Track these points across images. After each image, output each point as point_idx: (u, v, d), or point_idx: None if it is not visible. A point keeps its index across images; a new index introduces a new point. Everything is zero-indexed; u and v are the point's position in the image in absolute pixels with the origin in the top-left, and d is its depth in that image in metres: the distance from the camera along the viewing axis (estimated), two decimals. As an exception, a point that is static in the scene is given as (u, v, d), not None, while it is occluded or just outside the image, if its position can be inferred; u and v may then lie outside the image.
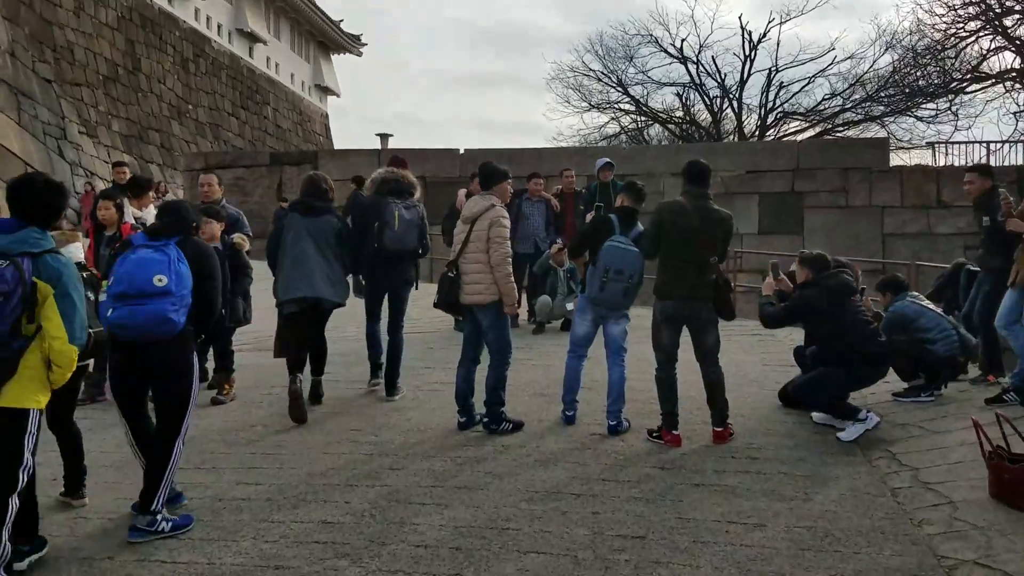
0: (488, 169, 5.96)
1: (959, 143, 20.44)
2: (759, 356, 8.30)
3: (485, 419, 5.81)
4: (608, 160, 10.19)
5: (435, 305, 5.93)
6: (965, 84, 22.91)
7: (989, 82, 22.63)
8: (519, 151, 18.79)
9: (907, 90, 24.67)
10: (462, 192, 9.55)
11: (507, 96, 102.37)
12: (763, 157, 18.04)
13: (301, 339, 6.36)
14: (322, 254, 6.24)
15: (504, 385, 5.79)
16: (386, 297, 6.80)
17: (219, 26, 36.65)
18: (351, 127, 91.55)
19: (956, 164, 18.77)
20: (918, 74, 24.17)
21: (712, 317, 5.52)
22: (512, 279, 5.71)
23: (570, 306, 9.49)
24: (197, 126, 34.55)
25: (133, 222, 7.09)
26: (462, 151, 18.84)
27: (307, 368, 6.55)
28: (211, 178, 7.46)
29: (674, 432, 5.47)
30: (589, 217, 6.73)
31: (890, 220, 17.22)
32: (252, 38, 38.66)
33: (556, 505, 4.44)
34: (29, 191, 3.56)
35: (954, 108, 23.91)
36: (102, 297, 4.12)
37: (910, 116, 26.23)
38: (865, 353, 5.66)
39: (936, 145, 20.26)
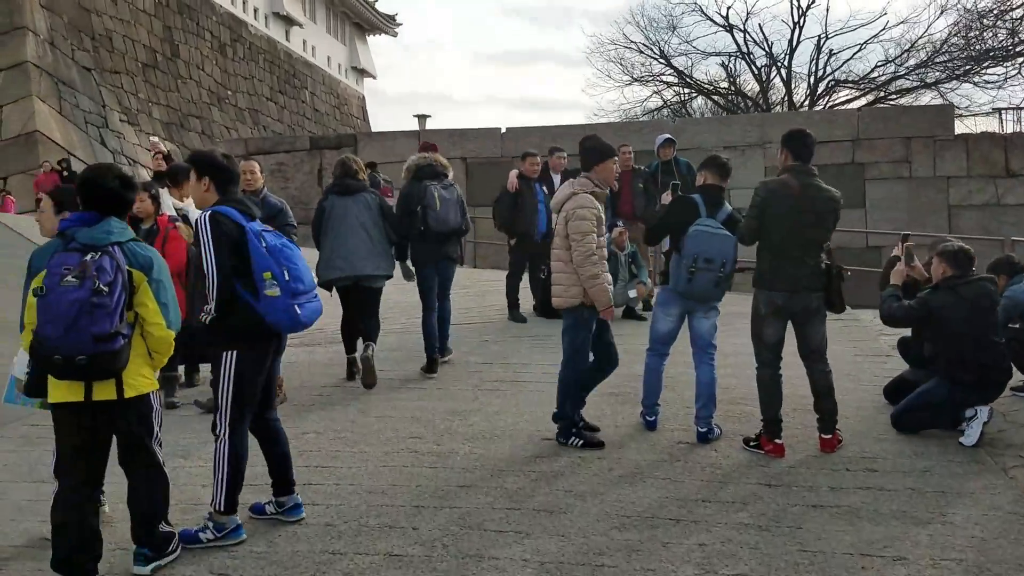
0: (586, 145, 5.08)
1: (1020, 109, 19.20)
2: (848, 345, 7.54)
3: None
4: (668, 136, 9.45)
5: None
6: None
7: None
8: (564, 128, 18.04)
9: (972, 53, 23.27)
10: (513, 173, 8.91)
11: (545, 72, 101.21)
12: (820, 127, 16.96)
13: (351, 318, 6.76)
14: (367, 231, 6.45)
15: (574, 395, 5.10)
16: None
17: (255, 10, 36.25)
18: (388, 109, 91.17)
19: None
20: (985, 36, 22.81)
21: (821, 309, 4.83)
22: (599, 279, 4.84)
23: (632, 293, 8.82)
24: (237, 112, 34.26)
25: (173, 213, 6.56)
26: (503, 130, 18.16)
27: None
28: (252, 165, 6.85)
29: (777, 441, 4.81)
30: (665, 198, 5.95)
31: (955, 191, 16.21)
32: (288, 21, 38.21)
33: (653, 534, 3.82)
34: (103, 184, 3.52)
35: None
36: (274, 292, 3.76)
37: (968, 82, 24.93)
38: (989, 376, 4.96)
39: (1004, 111, 19.07)
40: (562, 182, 9.32)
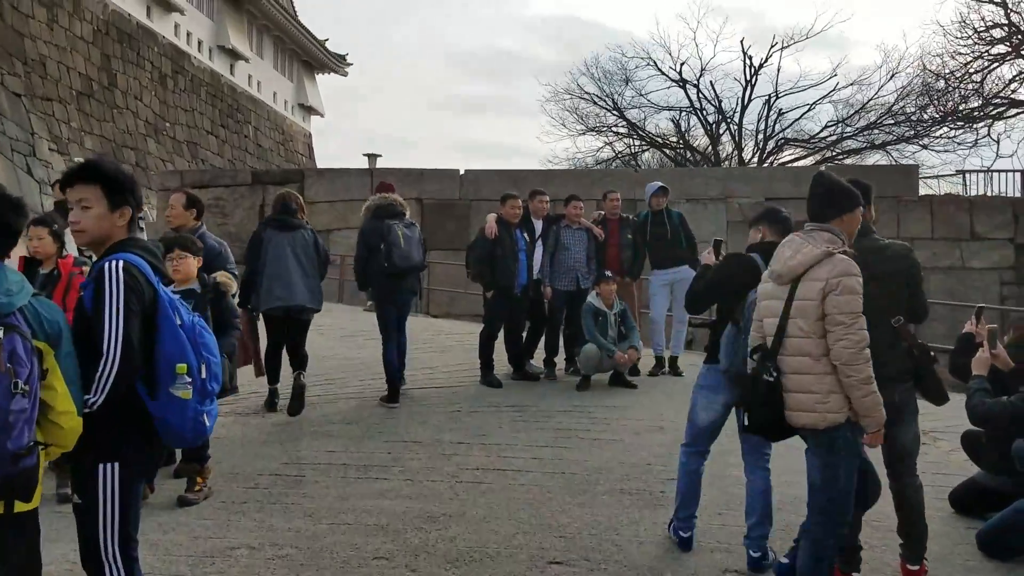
0: (834, 185, 3.43)
1: (990, 172, 18.93)
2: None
3: None
4: (662, 184, 8.42)
5: (746, 428, 3.62)
6: (1003, 109, 21.48)
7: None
8: (525, 172, 17.05)
9: (935, 115, 23.16)
10: (491, 217, 7.75)
11: (495, 121, 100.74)
12: (783, 184, 16.43)
13: (277, 348, 6.80)
14: (301, 266, 6.60)
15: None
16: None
17: (200, 42, 34.72)
18: (336, 147, 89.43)
19: (990, 193, 17.37)
20: (944, 100, 22.67)
21: (911, 404, 3.74)
22: (873, 385, 3.21)
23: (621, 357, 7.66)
24: (174, 144, 32.50)
25: (77, 255, 5.21)
26: (462, 172, 17.05)
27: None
28: (177, 197, 5.65)
29: (855, 575, 3.67)
30: (706, 257, 4.52)
31: (920, 253, 15.56)
32: (234, 55, 36.74)
33: None
34: None
35: (993, 134, 22.42)
36: (185, 393, 2.64)
37: (917, 144, 24.88)
38: None
39: (967, 173, 18.73)
40: (544, 228, 8.29)
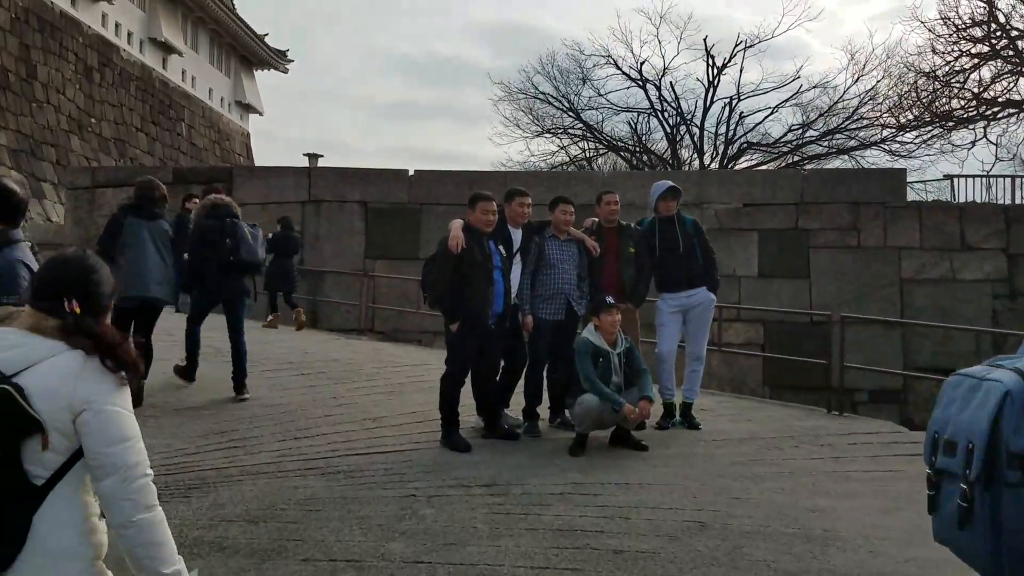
0: None
1: (978, 176, 17.54)
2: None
3: None
4: (672, 184, 6.52)
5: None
6: (997, 110, 20.21)
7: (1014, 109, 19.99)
8: (482, 174, 15.06)
9: (928, 117, 21.75)
10: (456, 225, 5.73)
11: (440, 127, 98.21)
12: (761, 188, 14.78)
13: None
14: (160, 255, 6.50)
15: None
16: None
17: (129, 34, 31.81)
18: (276, 149, 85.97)
19: (979, 200, 16.02)
20: (932, 100, 21.28)
21: None
22: None
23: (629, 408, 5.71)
24: (100, 142, 29.58)
25: None
26: (412, 173, 14.97)
27: None
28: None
29: None
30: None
31: (908, 263, 14.16)
32: (166, 48, 33.87)
33: None
34: None
35: (990, 135, 21.14)
36: None
37: (882, 149, 23.65)
38: None
39: (955, 178, 17.32)
40: (525, 239, 6.29)
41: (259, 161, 42.00)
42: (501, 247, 5.78)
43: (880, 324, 12.72)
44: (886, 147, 23.88)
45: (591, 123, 27.59)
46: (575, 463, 5.45)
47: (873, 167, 22.88)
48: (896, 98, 23.25)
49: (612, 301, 5.78)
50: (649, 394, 5.65)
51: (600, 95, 27.02)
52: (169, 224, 6.78)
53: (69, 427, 1.85)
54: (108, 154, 29.71)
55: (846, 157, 25.04)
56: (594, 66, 26.95)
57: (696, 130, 27.17)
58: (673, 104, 27.02)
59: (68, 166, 26.03)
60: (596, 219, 6.58)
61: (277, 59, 42.25)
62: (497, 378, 6.09)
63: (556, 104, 27.25)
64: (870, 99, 24.01)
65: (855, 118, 24.23)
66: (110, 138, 30.16)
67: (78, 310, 1.92)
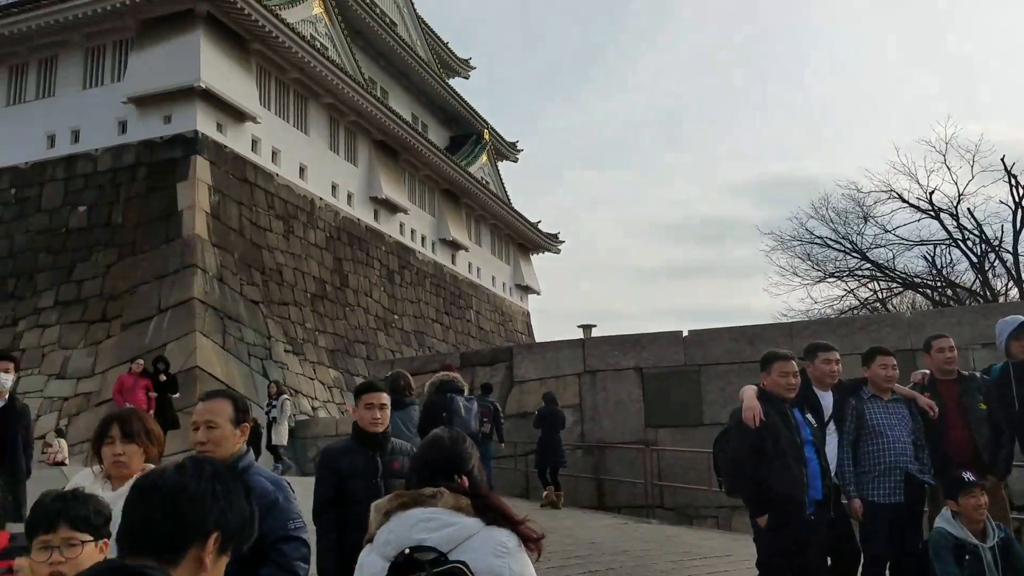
0: None
1: None
2: None
3: None
4: (1029, 317, 5.02)
5: None
6: None
7: None
8: (760, 328, 13.75)
9: None
10: (750, 392, 4.66)
11: (710, 284, 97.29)
12: None
13: None
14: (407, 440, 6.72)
15: None
16: None
17: (423, 238, 35.37)
18: (552, 323, 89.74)
19: None
20: None
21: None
22: None
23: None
24: (403, 335, 32.35)
25: None
26: (685, 334, 14.05)
27: None
28: (218, 406, 3.11)
29: None
30: None
31: None
32: (454, 246, 37.11)
33: None
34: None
35: None
36: None
37: None
38: None
39: None
40: (837, 403, 5.06)
41: (539, 337, 43.55)
42: (809, 415, 4.59)
43: None
44: None
45: (880, 261, 25.06)
46: None
47: None
48: None
49: (972, 478, 4.28)
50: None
51: (887, 231, 24.66)
52: (417, 409, 7.22)
53: None
54: (409, 345, 32.31)
55: None
56: (875, 203, 24.82)
57: (1008, 256, 23.54)
58: (975, 231, 23.83)
59: (375, 360, 28.53)
60: (926, 371, 5.14)
61: (550, 242, 44.59)
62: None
63: (837, 247, 25.26)
64: None
65: None
66: (410, 331, 32.91)
67: (467, 486, 2.04)
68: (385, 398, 4.22)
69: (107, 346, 21.76)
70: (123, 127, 23.52)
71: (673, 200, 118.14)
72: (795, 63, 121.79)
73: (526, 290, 44.58)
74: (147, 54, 23.29)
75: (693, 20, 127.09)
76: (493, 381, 14.99)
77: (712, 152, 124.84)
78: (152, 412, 12.30)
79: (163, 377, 13.73)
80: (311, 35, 27.96)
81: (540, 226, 43.80)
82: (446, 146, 39.26)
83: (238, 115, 24.28)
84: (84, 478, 2.93)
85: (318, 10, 29.03)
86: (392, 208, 32.41)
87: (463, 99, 40.05)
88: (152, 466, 2.94)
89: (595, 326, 24.56)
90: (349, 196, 30.17)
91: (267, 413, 16.81)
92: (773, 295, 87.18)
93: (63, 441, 18.21)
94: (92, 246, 23.08)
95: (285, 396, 17.13)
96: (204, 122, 23.16)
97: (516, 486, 13.96)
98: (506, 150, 44.99)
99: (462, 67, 45.86)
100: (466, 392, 7.89)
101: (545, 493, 12.14)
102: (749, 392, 4.54)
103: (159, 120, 23.18)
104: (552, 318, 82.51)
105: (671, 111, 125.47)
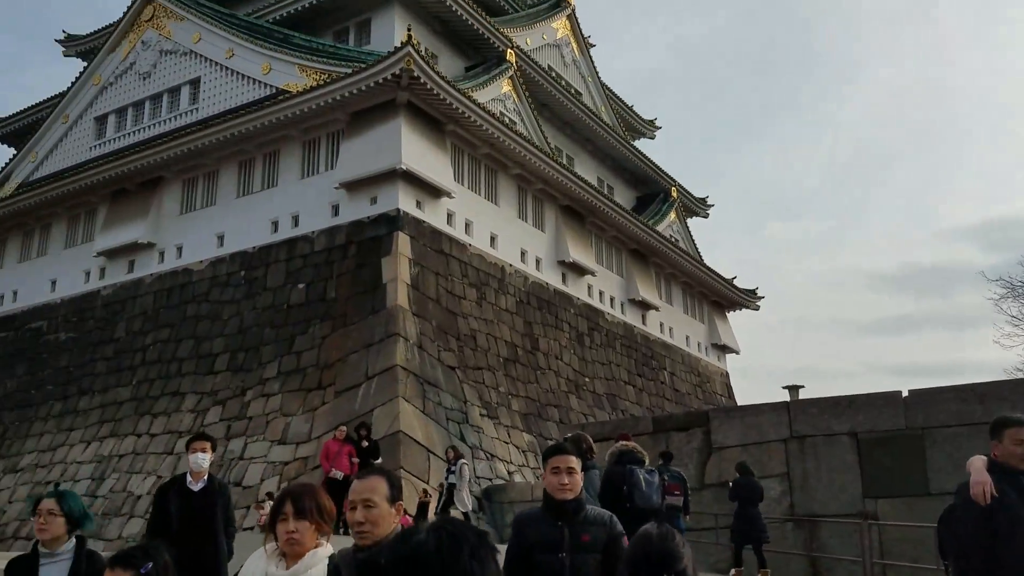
0: None
1: None
2: None
3: None
4: None
5: None
6: None
7: None
8: (995, 384, 12.24)
9: None
10: (978, 464, 4.08)
11: (928, 337, 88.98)
12: None
13: None
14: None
15: None
16: None
17: (612, 299, 35.28)
18: (753, 384, 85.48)
19: None
20: None
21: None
22: None
23: None
24: (595, 398, 32.16)
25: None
26: (905, 394, 12.79)
27: None
28: (374, 483, 3.06)
29: None
30: None
31: None
32: (644, 306, 36.67)
33: None
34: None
35: None
36: None
37: None
38: None
39: None
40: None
41: (740, 399, 41.62)
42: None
43: None
44: None
45: None
46: None
47: None
48: None
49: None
50: None
51: None
52: (599, 475, 7.24)
53: None
54: (602, 408, 32.04)
55: None
56: None
57: None
58: None
59: (568, 423, 28.49)
60: None
61: (747, 298, 42.92)
62: None
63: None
64: None
65: None
66: (602, 394, 32.66)
67: None
68: (574, 461, 3.85)
69: (322, 412, 23.36)
70: (335, 210, 25.64)
71: (882, 247, 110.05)
72: (984, 98, 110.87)
73: (723, 349, 42.99)
74: (355, 143, 25.43)
75: (882, 59, 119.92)
76: (689, 447, 14.37)
77: (924, 195, 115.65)
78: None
79: (365, 443, 14.39)
80: (500, 112, 29.29)
81: (735, 282, 42.31)
82: (633, 206, 39.29)
83: (435, 192, 25.74)
84: (257, 559, 3.00)
85: (507, 88, 30.43)
86: (580, 271, 32.69)
87: (648, 159, 40.06)
88: (325, 544, 2.97)
89: (802, 387, 23.08)
90: (538, 261, 30.82)
91: (446, 479, 16.88)
92: (1005, 347, 78.17)
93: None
94: (309, 320, 25.09)
95: (463, 460, 17.10)
96: (405, 200, 24.76)
97: (721, 560, 13.17)
98: (695, 206, 44.27)
99: (647, 128, 46.04)
100: (647, 462, 7.60)
101: (733, 572, 11.29)
102: (977, 464, 3.97)
103: (366, 201, 25.07)
104: (753, 378, 78.83)
105: (875, 154, 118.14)
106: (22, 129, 36.91)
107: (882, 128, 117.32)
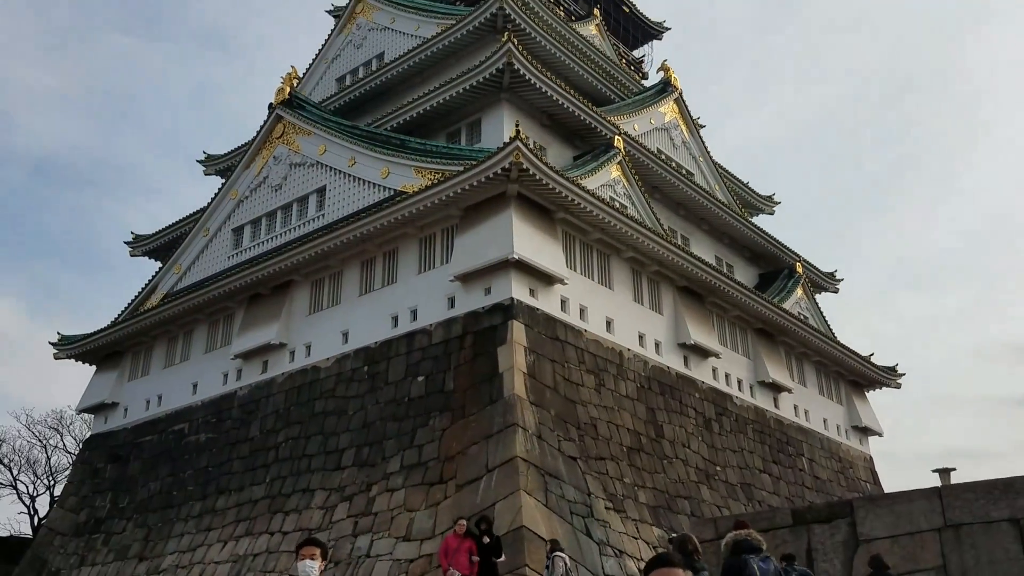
0: None
1: None
2: None
3: None
4: None
5: None
6: None
7: None
8: None
9: None
10: None
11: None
12: None
13: None
14: None
15: None
16: None
17: (739, 381, 33.79)
18: (901, 468, 78.91)
19: None
20: None
21: None
22: None
23: None
24: (728, 488, 30.45)
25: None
26: (1078, 475, 11.34)
27: None
28: None
29: None
30: None
31: None
32: (775, 388, 34.87)
33: None
34: None
35: None
36: None
37: None
38: None
39: None
40: None
41: (886, 485, 38.46)
42: None
43: None
44: None
45: None
46: None
47: None
48: None
49: None
50: None
51: None
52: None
53: None
54: (736, 499, 30.24)
55: None
56: None
57: None
58: None
59: (700, 516, 27.00)
60: None
61: (887, 376, 40.21)
62: None
63: None
64: None
65: None
66: (736, 483, 30.90)
67: None
68: (680, 574, 3.60)
69: (445, 507, 23.16)
70: (451, 302, 26.14)
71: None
72: None
73: (865, 432, 40.12)
74: (468, 236, 26.07)
75: (1012, 120, 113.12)
76: (833, 541, 13.22)
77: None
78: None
79: (486, 539, 13.98)
80: (610, 196, 29.42)
81: (873, 359, 39.78)
82: (755, 284, 38.04)
83: (547, 279, 25.84)
84: None
85: (616, 173, 30.64)
86: (703, 353, 31.62)
87: (768, 235, 38.95)
88: None
89: (954, 469, 21.03)
90: (657, 344, 30.10)
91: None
92: None
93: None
94: (429, 412, 25.30)
95: (557, 554, 16.28)
96: (518, 289, 24.96)
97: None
98: (823, 280, 42.40)
99: (765, 204, 45.01)
100: (764, 549, 7.53)
101: None
102: None
103: (481, 292, 25.44)
104: (899, 462, 72.86)
105: (1014, 220, 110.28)
106: (165, 245, 40.19)
107: (1018, 191, 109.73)
